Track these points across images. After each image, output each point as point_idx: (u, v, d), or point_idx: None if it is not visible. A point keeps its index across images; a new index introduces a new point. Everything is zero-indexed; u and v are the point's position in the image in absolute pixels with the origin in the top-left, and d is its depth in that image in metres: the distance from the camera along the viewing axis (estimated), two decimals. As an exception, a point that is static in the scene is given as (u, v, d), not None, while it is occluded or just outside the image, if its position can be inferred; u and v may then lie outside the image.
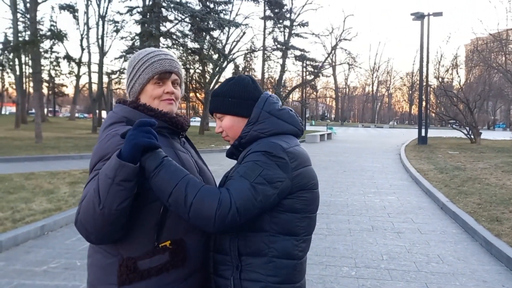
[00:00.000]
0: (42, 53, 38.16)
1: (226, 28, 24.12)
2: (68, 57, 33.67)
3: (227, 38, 31.42)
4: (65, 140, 19.53)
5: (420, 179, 10.22)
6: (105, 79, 33.79)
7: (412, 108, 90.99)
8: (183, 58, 28.56)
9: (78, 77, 49.57)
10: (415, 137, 27.11)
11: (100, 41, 29.59)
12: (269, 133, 1.41)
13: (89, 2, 34.28)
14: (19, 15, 36.00)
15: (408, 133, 43.43)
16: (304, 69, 39.14)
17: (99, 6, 30.09)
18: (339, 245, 5.17)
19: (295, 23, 33.53)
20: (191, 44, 22.93)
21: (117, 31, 24.11)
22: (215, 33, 27.24)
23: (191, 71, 31.19)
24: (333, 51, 44.34)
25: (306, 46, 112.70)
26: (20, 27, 34.98)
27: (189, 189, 1.21)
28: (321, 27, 70.50)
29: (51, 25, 39.25)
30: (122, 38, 24.35)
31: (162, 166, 1.21)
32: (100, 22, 30.26)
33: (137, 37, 22.86)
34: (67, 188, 7.73)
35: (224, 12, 22.71)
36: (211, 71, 30.26)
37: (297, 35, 34.45)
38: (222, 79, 43.76)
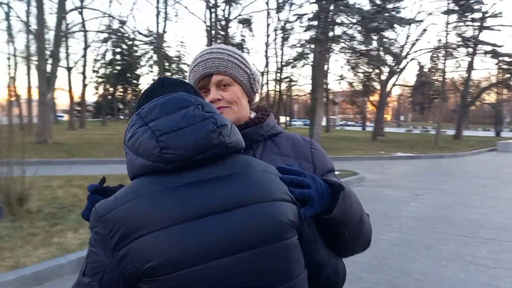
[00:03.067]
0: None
1: (401, 27, 22.53)
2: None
3: (407, 37, 29.35)
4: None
5: None
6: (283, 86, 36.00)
7: None
8: (351, 61, 27.98)
9: (261, 86, 54.30)
10: None
11: (281, 51, 31.45)
12: (131, 177, 0.91)
13: (269, 15, 36.80)
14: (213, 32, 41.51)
15: None
16: (497, 67, 33.59)
17: (278, 18, 32.11)
18: (503, 283, 4.07)
19: (486, 15, 29.08)
20: (359, 46, 22.18)
21: (285, 39, 25.13)
22: (391, 34, 25.85)
23: (361, 74, 30.39)
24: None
25: (500, 40, 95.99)
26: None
27: None
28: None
29: (241, 40, 43.76)
30: (292, 46, 25.18)
31: None
32: (279, 33, 32.23)
33: (306, 44, 23.42)
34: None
35: (396, 10, 21.15)
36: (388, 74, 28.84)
37: (488, 28, 29.80)
38: (400, 81, 41.11)
